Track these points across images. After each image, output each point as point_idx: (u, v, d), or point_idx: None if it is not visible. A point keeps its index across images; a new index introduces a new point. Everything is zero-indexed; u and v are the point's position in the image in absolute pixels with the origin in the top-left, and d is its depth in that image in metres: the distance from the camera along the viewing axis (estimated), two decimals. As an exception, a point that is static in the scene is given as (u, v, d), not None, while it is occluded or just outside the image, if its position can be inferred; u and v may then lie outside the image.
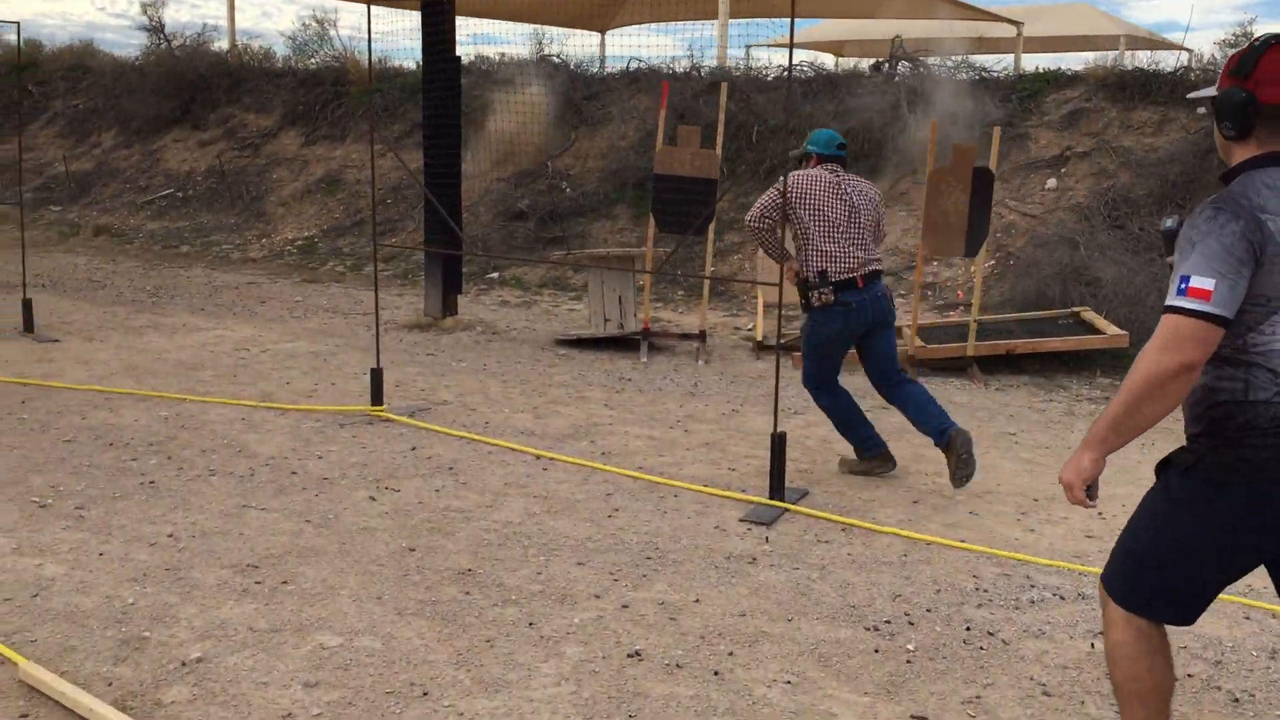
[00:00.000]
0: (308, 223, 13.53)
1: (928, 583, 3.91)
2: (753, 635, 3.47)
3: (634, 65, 13.89)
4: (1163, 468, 2.26)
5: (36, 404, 6.06)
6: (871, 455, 5.09)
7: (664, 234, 8.28)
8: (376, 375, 6.10)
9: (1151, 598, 2.24)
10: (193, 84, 16.57)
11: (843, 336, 4.90)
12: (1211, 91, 2.21)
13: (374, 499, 4.70)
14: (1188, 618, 2.24)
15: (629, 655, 3.31)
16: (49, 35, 17.79)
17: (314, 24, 17.03)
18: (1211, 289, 1.99)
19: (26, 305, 8.14)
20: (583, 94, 13.53)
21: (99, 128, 17.46)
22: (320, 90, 15.69)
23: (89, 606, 3.54)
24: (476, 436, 5.66)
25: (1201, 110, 10.08)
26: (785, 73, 11.97)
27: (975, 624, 3.56)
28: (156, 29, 17.56)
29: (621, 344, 8.21)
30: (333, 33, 17.09)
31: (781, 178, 4.81)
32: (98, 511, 4.44)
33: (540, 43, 16.53)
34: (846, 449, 5.35)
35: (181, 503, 4.57)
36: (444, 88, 8.71)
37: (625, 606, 3.66)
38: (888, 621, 3.58)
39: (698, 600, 3.73)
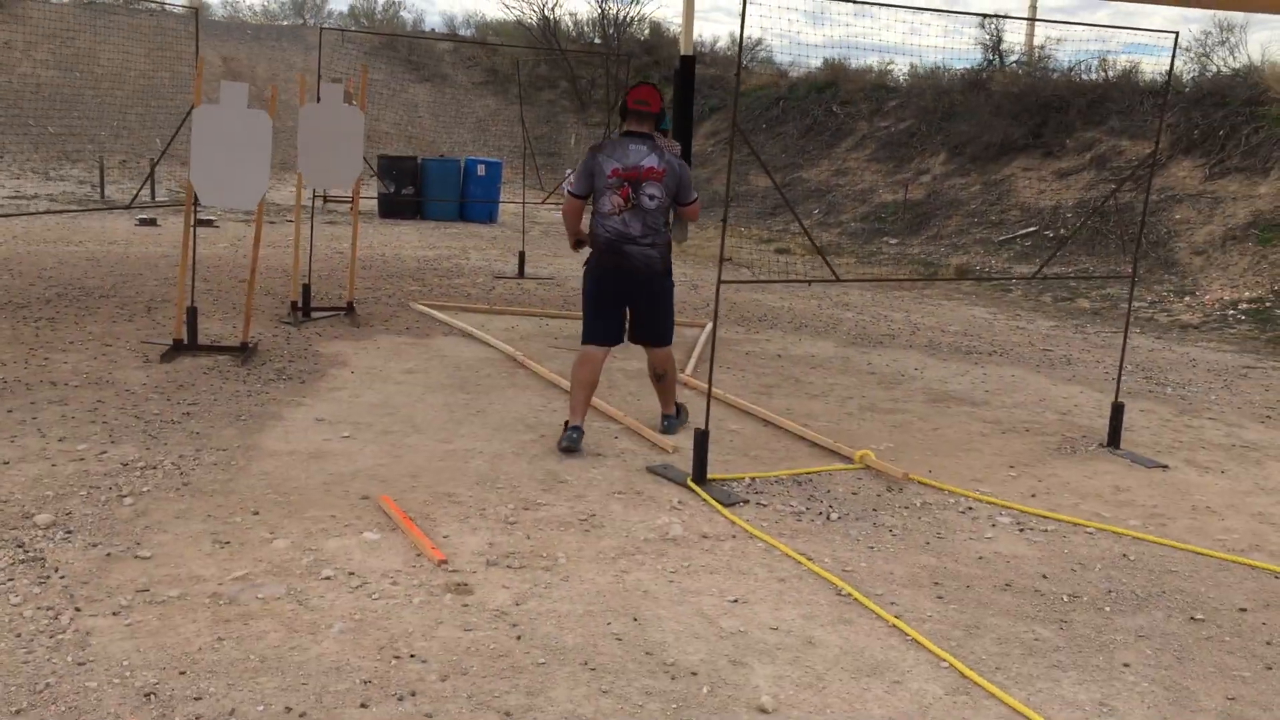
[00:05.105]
0: (1244, 280, 10.71)
1: None
2: None
3: None
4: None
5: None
6: None
7: None
8: None
9: (589, 334, 5.11)
10: (1044, 105, 14.56)
11: None
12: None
13: None
14: (609, 339, 5.10)
15: None
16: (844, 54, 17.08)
17: (1215, 31, 14.18)
18: (574, 181, 5.04)
19: (1117, 411, 5.57)
20: None
21: (923, 152, 16.19)
22: (1224, 112, 12.82)
23: None
24: None
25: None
26: None
27: None
28: (993, 45, 15.86)
29: None
30: (1233, 39, 14.13)
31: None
32: None
33: None
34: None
35: None
36: None
37: None
38: None
39: None
